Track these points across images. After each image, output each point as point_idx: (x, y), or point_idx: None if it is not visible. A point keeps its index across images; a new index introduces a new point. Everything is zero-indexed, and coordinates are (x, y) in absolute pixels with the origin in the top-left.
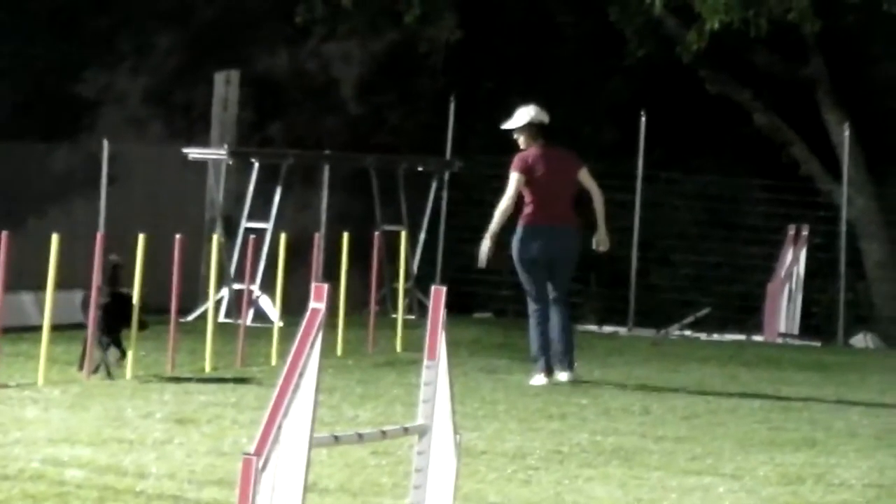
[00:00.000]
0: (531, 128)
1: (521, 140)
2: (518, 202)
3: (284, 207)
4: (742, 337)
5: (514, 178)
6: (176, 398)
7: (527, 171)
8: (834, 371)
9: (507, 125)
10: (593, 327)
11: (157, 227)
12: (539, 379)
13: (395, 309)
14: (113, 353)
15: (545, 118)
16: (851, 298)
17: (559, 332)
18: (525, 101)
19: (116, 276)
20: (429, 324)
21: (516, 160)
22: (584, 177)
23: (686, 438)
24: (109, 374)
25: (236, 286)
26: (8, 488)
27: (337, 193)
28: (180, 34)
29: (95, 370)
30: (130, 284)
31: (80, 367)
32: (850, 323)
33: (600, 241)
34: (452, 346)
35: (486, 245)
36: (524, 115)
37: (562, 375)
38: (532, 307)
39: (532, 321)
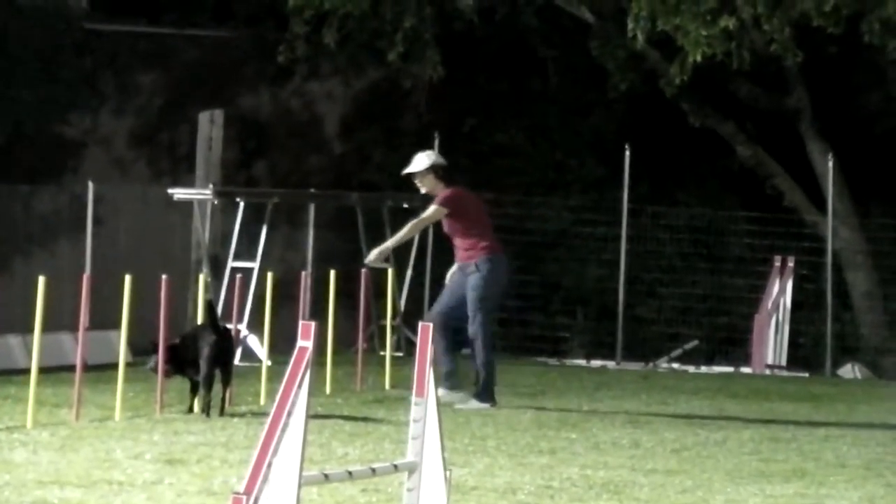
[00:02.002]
0: (437, 170)
1: (427, 183)
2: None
3: (270, 246)
4: (730, 369)
5: (438, 210)
6: (165, 438)
7: (460, 207)
8: (822, 402)
9: (408, 170)
10: (581, 361)
11: (143, 268)
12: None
13: (382, 346)
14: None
15: (444, 161)
16: (838, 329)
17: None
18: (509, 136)
19: (214, 312)
20: (417, 360)
21: (447, 198)
22: None
23: (676, 471)
24: (208, 412)
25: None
26: None
27: (323, 231)
28: (164, 75)
29: (206, 410)
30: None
31: (192, 410)
32: (837, 353)
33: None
34: (441, 382)
35: (385, 252)
36: (424, 159)
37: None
38: (488, 333)
39: (489, 348)
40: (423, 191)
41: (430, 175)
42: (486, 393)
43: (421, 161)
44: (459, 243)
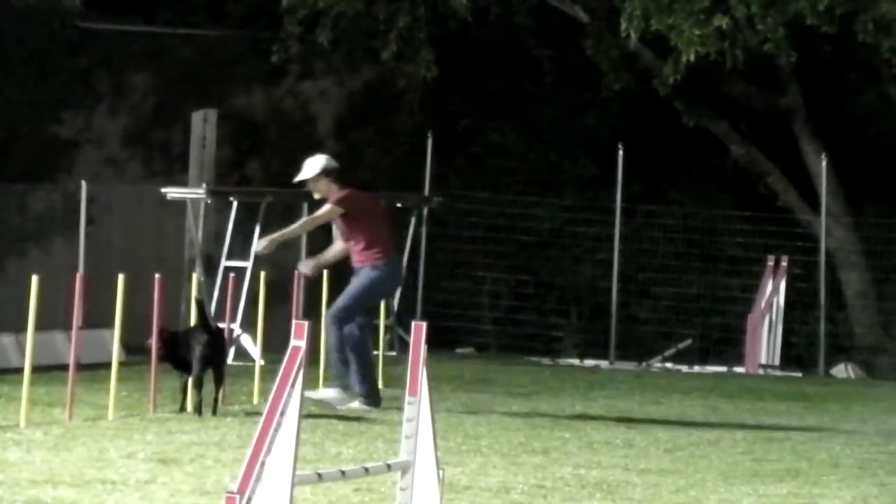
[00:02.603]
0: (329, 173)
1: (320, 187)
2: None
3: None
4: (723, 368)
5: (332, 210)
6: (158, 438)
7: (354, 208)
8: (815, 401)
9: (299, 177)
10: (575, 361)
11: (136, 267)
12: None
13: (376, 345)
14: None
15: (336, 164)
16: (832, 329)
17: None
18: (503, 136)
19: (205, 312)
20: (410, 360)
21: (342, 198)
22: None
23: (669, 471)
24: (214, 411)
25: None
26: None
27: (316, 231)
28: (157, 74)
29: (198, 410)
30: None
31: (182, 408)
32: (830, 353)
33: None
34: (434, 381)
35: (274, 242)
36: (315, 164)
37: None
38: (357, 330)
39: (362, 348)
40: (316, 196)
41: (322, 179)
42: (360, 391)
43: (312, 166)
44: (353, 245)
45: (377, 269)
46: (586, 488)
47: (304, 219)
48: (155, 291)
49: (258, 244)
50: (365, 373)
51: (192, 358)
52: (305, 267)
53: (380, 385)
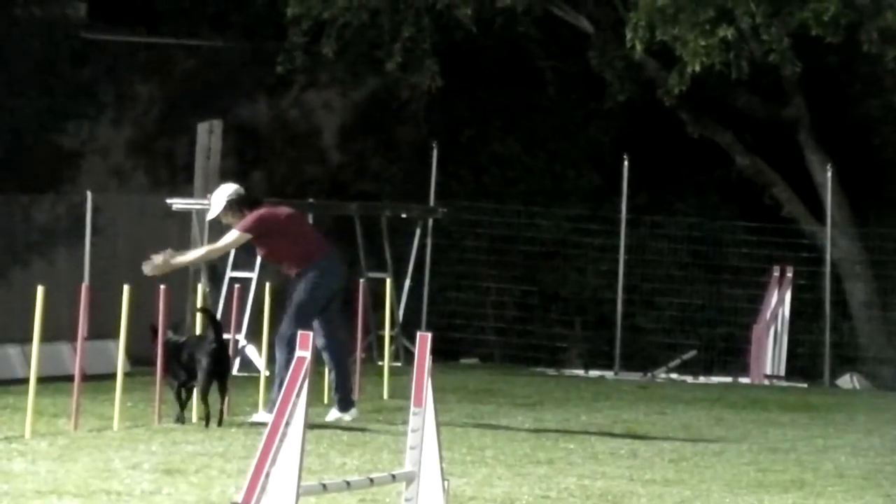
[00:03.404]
0: (233, 205)
1: (230, 218)
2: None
3: None
4: (728, 379)
5: (239, 237)
6: (163, 448)
7: (263, 229)
8: (821, 412)
9: (209, 217)
10: (580, 371)
11: (141, 278)
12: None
13: (381, 356)
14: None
15: (238, 191)
16: (837, 339)
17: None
18: (508, 146)
19: (216, 321)
20: (415, 370)
21: (247, 224)
22: None
23: (674, 481)
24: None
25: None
26: None
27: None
28: (162, 85)
29: (206, 421)
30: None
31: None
32: (836, 364)
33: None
34: (439, 392)
35: (167, 265)
36: (219, 198)
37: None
38: (324, 339)
39: (336, 352)
40: (233, 227)
41: (229, 212)
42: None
43: (216, 203)
44: (284, 262)
45: (308, 272)
46: (591, 499)
47: (205, 247)
48: (160, 302)
49: (149, 263)
50: (341, 380)
51: (196, 367)
52: (154, 264)
53: (385, 396)
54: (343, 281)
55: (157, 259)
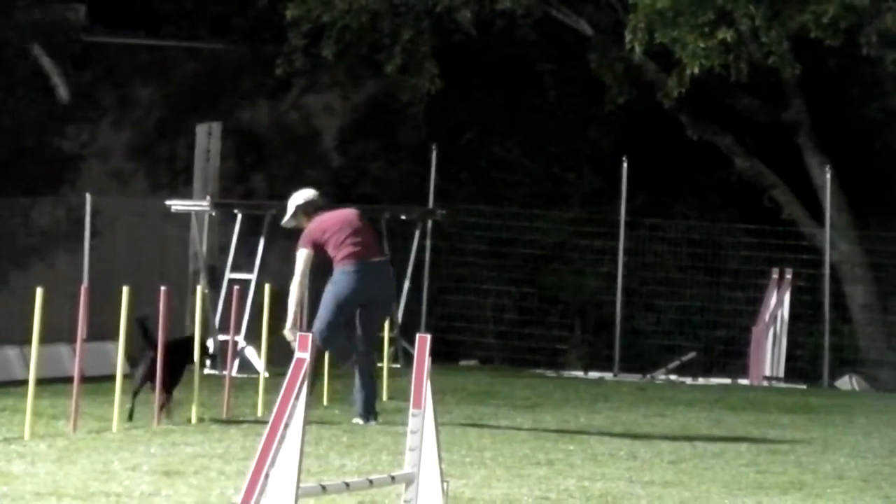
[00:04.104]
0: (304, 207)
1: (298, 222)
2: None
3: (268, 258)
4: (727, 380)
5: (301, 254)
6: (163, 450)
7: (315, 240)
8: (820, 414)
9: (283, 222)
10: (579, 373)
11: (140, 280)
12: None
13: (380, 358)
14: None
15: (307, 198)
16: (836, 341)
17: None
18: (507, 149)
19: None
20: (414, 372)
21: (302, 240)
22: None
23: (673, 483)
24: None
25: (221, 337)
26: None
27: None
28: (161, 88)
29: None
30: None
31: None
32: (835, 365)
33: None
34: (438, 394)
35: (296, 326)
36: (292, 203)
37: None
38: (332, 344)
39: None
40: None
41: (295, 218)
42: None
43: (288, 211)
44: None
45: (342, 273)
46: (591, 500)
47: (294, 284)
48: (160, 304)
49: (290, 334)
50: (365, 392)
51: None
52: (289, 336)
53: (384, 397)
54: (366, 294)
55: (290, 335)
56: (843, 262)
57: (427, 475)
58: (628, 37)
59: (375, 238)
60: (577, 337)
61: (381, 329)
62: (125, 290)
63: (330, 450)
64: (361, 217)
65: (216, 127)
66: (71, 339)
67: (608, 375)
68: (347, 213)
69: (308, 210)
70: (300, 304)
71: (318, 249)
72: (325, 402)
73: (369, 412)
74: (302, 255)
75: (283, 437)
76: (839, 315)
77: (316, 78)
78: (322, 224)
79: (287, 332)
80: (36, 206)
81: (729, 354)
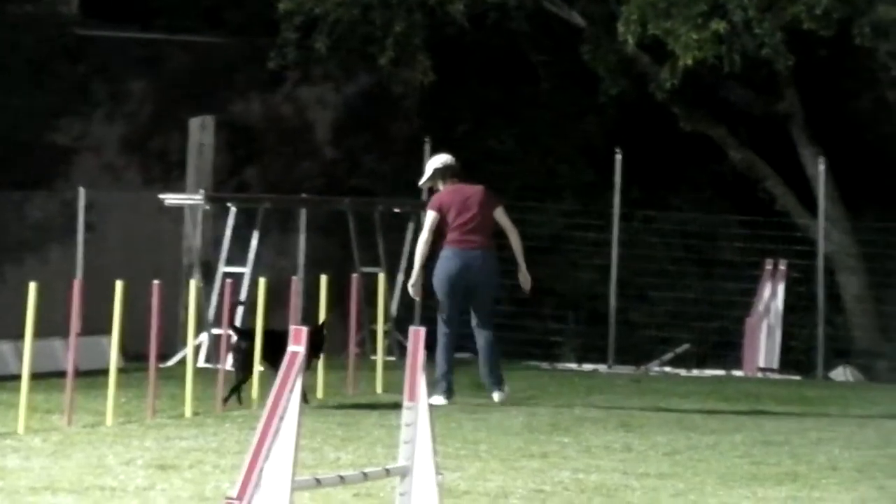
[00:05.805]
0: (442, 170)
1: (434, 183)
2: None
3: (262, 251)
4: (722, 372)
5: (427, 216)
6: (157, 444)
7: (442, 208)
8: (814, 405)
9: (420, 182)
10: (573, 365)
11: (134, 274)
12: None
13: (374, 351)
14: None
15: (445, 163)
16: (830, 332)
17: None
18: (501, 141)
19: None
20: (409, 365)
21: (431, 203)
22: (500, 216)
23: (668, 475)
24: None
25: (215, 331)
26: None
27: (314, 237)
28: (155, 81)
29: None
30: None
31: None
32: (829, 356)
33: (523, 281)
34: (433, 386)
35: (418, 282)
36: (431, 164)
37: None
38: (443, 330)
39: (443, 343)
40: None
41: (431, 179)
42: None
43: (427, 171)
44: None
45: (441, 259)
46: (585, 493)
47: (419, 242)
48: (153, 298)
49: (413, 290)
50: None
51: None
52: (412, 291)
53: (378, 390)
54: (459, 279)
55: (412, 291)
56: (836, 253)
57: (422, 468)
58: (621, 28)
59: (487, 224)
60: (572, 329)
61: (491, 307)
62: (119, 284)
63: (324, 443)
64: (485, 201)
65: (209, 120)
66: (65, 333)
67: (602, 367)
68: (472, 193)
69: (445, 174)
70: (423, 261)
71: (443, 216)
72: (319, 396)
73: (501, 382)
74: (429, 217)
75: (277, 430)
76: (833, 306)
77: (309, 71)
78: (448, 196)
79: (410, 288)
80: (29, 199)
81: (723, 346)
